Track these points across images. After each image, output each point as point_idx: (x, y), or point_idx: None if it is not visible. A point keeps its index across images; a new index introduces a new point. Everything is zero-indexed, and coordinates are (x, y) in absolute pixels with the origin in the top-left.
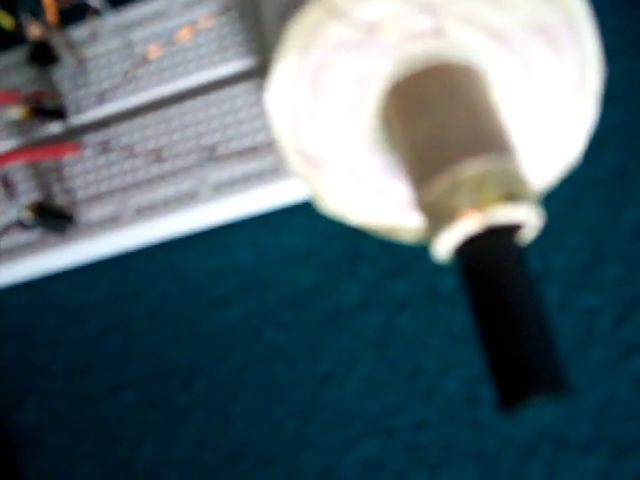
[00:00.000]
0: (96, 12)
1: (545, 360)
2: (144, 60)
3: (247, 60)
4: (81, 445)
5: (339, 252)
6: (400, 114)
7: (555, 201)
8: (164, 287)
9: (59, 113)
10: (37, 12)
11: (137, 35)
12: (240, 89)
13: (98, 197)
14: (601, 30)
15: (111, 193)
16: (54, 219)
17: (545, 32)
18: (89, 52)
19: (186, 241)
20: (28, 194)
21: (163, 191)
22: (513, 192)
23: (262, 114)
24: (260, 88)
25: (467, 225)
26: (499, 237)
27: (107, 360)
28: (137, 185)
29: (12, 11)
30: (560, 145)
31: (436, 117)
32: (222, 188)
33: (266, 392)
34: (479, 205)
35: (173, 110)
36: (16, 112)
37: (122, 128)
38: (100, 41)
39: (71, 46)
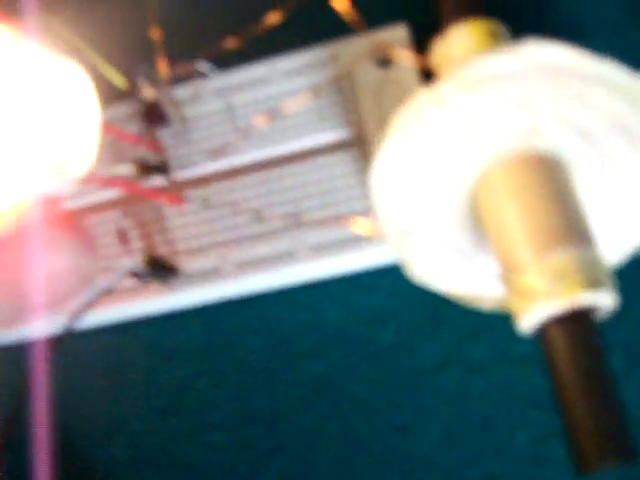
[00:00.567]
0: (201, 74)
1: (618, 429)
2: (246, 125)
3: (343, 131)
4: None
5: (422, 314)
6: (491, 199)
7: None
8: (255, 337)
9: (162, 168)
10: (151, 76)
11: (238, 99)
12: (336, 158)
13: (199, 250)
14: None
15: (212, 247)
16: (163, 270)
17: (625, 129)
18: (192, 111)
19: (278, 295)
20: (134, 244)
21: (262, 249)
22: (595, 280)
23: (357, 184)
24: (355, 159)
25: (552, 307)
26: (579, 318)
27: (196, 402)
28: (237, 241)
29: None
30: (630, 228)
31: (526, 205)
32: (318, 250)
33: (347, 441)
34: (565, 291)
35: (273, 173)
36: (126, 168)
37: (223, 186)
38: (203, 102)
39: (176, 105)
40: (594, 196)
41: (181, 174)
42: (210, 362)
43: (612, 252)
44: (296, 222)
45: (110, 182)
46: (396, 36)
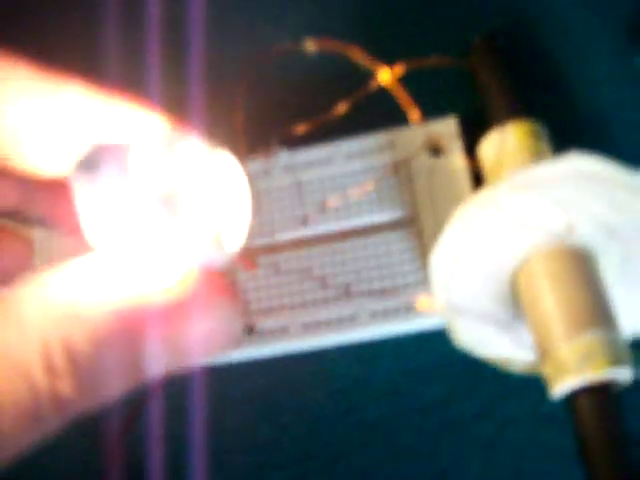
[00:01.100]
0: (274, 154)
1: None
2: (312, 200)
3: (399, 211)
4: None
5: (462, 373)
6: (531, 283)
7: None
8: (315, 387)
9: None
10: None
11: (305, 175)
12: (392, 235)
13: (269, 311)
14: None
15: (281, 309)
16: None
17: None
18: (263, 185)
19: (337, 350)
20: None
21: (325, 312)
22: (617, 359)
23: (410, 259)
24: (409, 237)
25: (580, 381)
26: (603, 390)
27: (259, 444)
28: (303, 304)
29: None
30: None
31: (560, 291)
32: (375, 316)
33: None
34: (592, 368)
35: (336, 245)
36: None
37: (292, 254)
38: (274, 177)
39: (250, 180)
40: (616, 281)
41: (254, 242)
42: (273, 409)
43: (630, 329)
44: (356, 290)
45: None
46: (447, 128)
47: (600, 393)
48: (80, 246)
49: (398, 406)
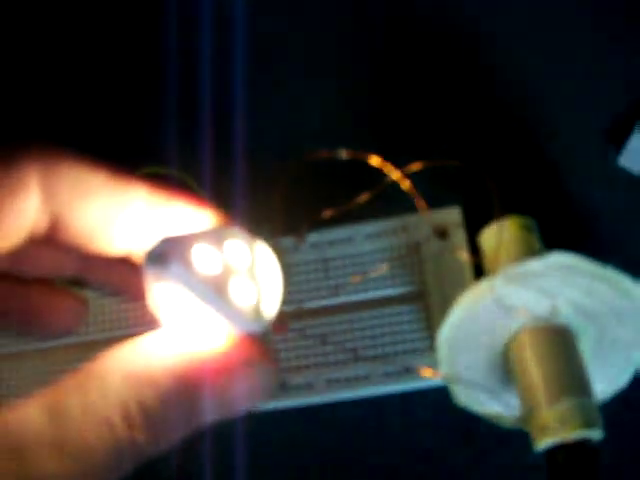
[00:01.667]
0: (303, 231)
1: None
2: (334, 274)
3: (408, 287)
4: None
5: (459, 426)
6: (520, 356)
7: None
8: (332, 433)
9: None
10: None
11: (329, 253)
12: (403, 308)
13: (297, 368)
14: None
15: (306, 367)
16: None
17: (616, 312)
18: (292, 259)
19: (353, 402)
20: None
21: (345, 372)
22: (589, 422)
23: (418, 329)
24: (417, 310)
25: (559, 438)
26: (577, 447)
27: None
28: (326, 364)
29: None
30: (616, 377)
31: (544, 363)
32: (388, 376)
33: None
34: (567, 430)
35: (354, 314)
36: None
37: (317, 320)
38: (302, 253)
39: (279, 252)
40: (593, 355)
41: (284, 309)
42: (295, 454)
43: (600, 393)
44: (370, 354)
45: None
46: (451, 216)
47: (573, 449)
48: (130, 307)
49: (402, 454)
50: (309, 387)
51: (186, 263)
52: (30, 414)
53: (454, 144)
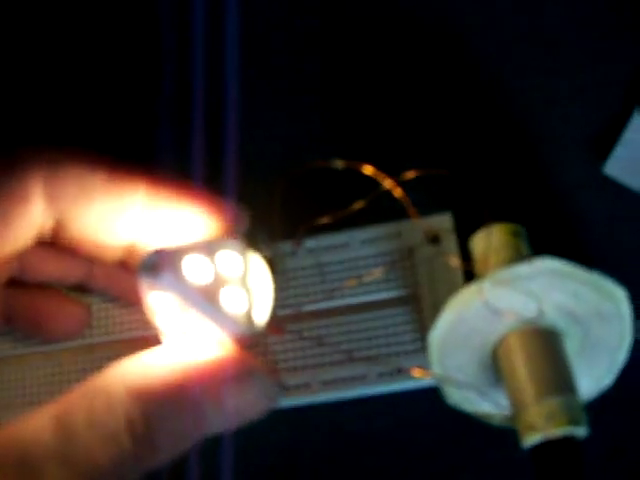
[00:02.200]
0: (300, 237)
1: None
2: (330, 278)
3: (402, 290)
4: None
5: (450, 424)
6: (508, 357)
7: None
8: (327, 433)
9: None
10: (268, 239)
11: (325, 257)
12: (397, 310)
13: (294, 369)
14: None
15: (303, 368)
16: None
17: (600, 313)
18: (290, 264)
19: (349, 402)
20: None
21: (341, 372)
22: (574, 419)
23: (411, 330)
24: (410, 312)
25: (545, 435)
26: (562, 443)
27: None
28: (322, 365)
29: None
30: (600, 376)
31: (531, 363)
32: (382, 376)
33: None
34: (553, 427)
35: (349, 317)
36: None
37: (313, 323)
38: (299, 258)
39: (277, 257)
40: (578, 355)
41: (282, 312)
42: (288, 454)
43: (586, 393)
44: (366, 355)
45: None
46: (443, 222)
47: (559, 446)
48: (132, 312)
49: (395, 453)
50: (306, 387)
51: (177, 273)
52: (38, 429)
53: (445, 153)
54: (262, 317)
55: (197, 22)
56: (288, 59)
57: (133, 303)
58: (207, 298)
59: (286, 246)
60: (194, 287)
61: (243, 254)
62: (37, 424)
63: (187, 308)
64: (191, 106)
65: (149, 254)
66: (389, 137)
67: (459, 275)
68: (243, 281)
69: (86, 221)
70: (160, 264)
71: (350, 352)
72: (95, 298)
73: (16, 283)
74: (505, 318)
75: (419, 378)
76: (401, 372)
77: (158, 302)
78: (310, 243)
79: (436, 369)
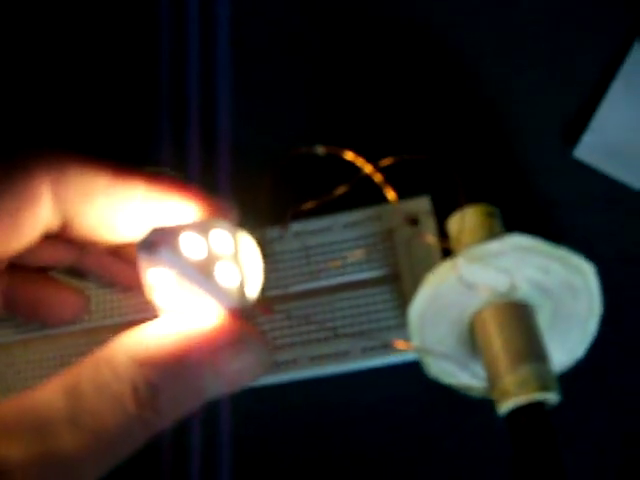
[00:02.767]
0: (286, 222)
1: None
2: (316, 260)
3: (383, 270)
4: None
5: (434, 396)
6: (483, 329)
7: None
8: (314, 406)
9: None
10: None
11: (310, 240)
12: (378, 289)
13: (282, 346)
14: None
15: (291, 345)
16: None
17: (571, 287)
18: (278, 247)
19: (334, 377)
20: None
21: (327, 348)
22: (546, 386)
23: (392, 308)
24: (391, 291)
25: (519, 401)
26: (534, 408)
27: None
28: (309, 342)
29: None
30: (571, 349)
31: (505, 334)
32: (366, 351)
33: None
34: (526, 393)
35: (334, 296)
36: None
37: (300, 303)
38: (286, 242)
39: (265, 241)
40: (549, 328)
41: (270, 293)
42: (277, 426)
43: (559, 364)
44: (350, 331)
45: None
46: (421, 205)
47: (531, 410)
48: (128, 297)
49: (378, 425)
50: (294, 363)
51: (174, 249)
52: (49, 395)
53: (423, 140)
54: (253, 291)
55: (191, 20)
56: (275, 56)
57: (125, 288)
58: (202, 273)
59: (273, 231)
60: (190, 262)
61: (233, 233)
62: (48, 391)
63: (184, 283)
64: (186, 100)
65: (148, 232)
66: (369, 126)
67: (437, 255)
68: (235, 257)
69: (90, 219)
70: (158, 241)
71: (335, 329)
72: (92, 283)
73: (16, 269)
74: (479, 292)
75: (401, 350)
76: (384, 347)
77: (156, 278)
78: (295, 227)
79: (416, 342)
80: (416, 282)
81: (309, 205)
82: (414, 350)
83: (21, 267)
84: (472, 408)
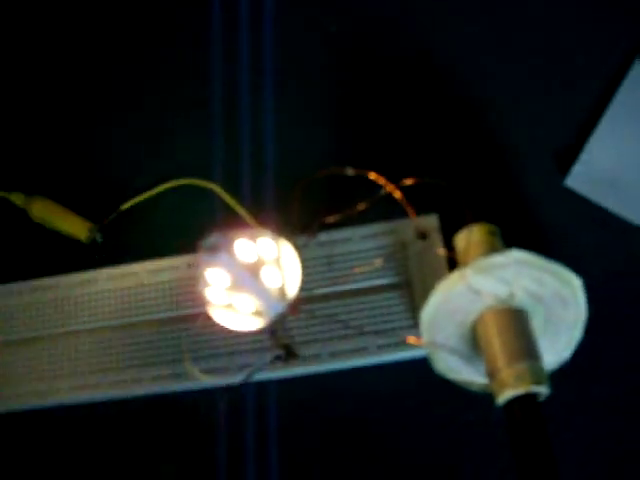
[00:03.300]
0: (312, 233)
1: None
2: (338, 267)
3: (396, 277)
4: None
5: (438, 389)
6: (484, 330)
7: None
8: (334, 395)
9: None
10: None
11: (333, 249)
12: (391, 294)
13: (306, 342)
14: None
15: (314, 341)
16: (292, 355)
17: (561, 298)
18: (304, 254)
19: (350, 372)
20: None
21: (347, 345)
22: (539, 380)
23: (404, 311)
24: (402, 296)
25: (515, 393)
26: (529, 399)
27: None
28: (330, 339)
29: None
30: (561, 350)
31: (503, 335)
32: (382, 348)
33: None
34: (522, 385)
35: (355, 299)
36: None
37: (323, 305)
38: (311, 249)
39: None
40: (542, 332)
41: (305, 293)
42: (301, 414)
43: (548, 364)
44: (367, 330)
45: None
46: (430, 222)
47: (526, 400)
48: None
49: (388, 412)
50: (316, 358)
51: (230, 253)
52: None
53: (436, 165)
54: (292, 293)
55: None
56: (304, 87)
57: None
58: (252, 274)
59: (300, 240)
60: (242, 265)
61: (277, 241)
62: None
63: (235, 282)
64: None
65: (209, 237)
66: (388, 150)
67: (444, 266)
68: (277, 262)
69: None
70: (218, 245)
71: (354, 328)
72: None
73: None
74: (483, 299)
75: (413, 347)
76: (397, 344)
77: (213, 277)
78: (320, 238)
79: (426, 339)
80: (426, 289)
81: (333, 218)
82: (425, 346)
83: None
84: (470, 399)
